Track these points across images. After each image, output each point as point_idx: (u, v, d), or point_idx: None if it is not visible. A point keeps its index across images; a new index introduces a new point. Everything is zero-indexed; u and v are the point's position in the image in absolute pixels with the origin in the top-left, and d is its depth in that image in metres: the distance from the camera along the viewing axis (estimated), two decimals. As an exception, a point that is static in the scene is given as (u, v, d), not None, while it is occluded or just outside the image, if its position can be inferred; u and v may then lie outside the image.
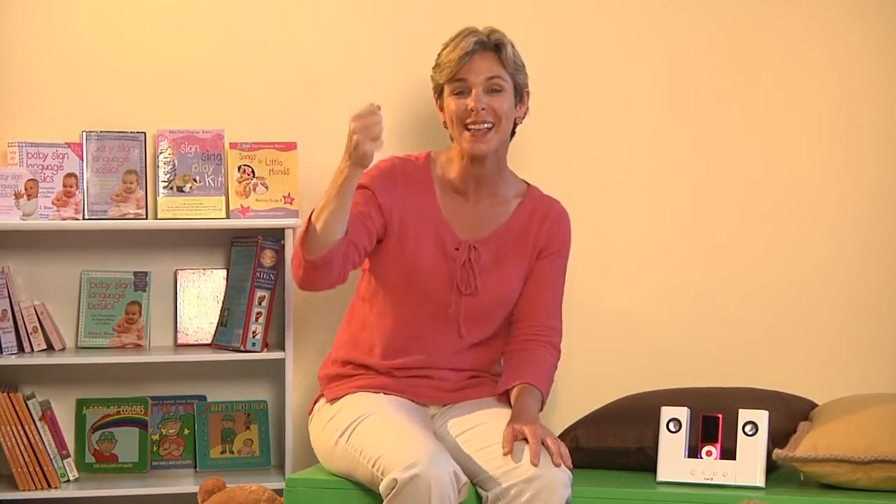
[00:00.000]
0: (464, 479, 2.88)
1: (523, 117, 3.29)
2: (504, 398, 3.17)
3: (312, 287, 3.10)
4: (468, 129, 3.17)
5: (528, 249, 3.26)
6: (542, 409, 3.14)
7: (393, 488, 2.82)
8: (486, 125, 3.17)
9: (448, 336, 3.20)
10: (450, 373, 3.22)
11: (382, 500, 2.88)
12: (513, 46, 3.22)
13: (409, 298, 3.19)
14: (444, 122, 3.26)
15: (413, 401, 3.19)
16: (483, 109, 3.16)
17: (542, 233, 3.27)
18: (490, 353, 3.26)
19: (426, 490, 2.79)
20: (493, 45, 3.19)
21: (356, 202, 3.08)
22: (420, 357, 3.20)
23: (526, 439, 2.93)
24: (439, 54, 3.24)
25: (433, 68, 3.25)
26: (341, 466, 3.08)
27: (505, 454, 2.93)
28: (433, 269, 3.18)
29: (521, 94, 3.24)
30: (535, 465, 2.88)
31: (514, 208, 3.28)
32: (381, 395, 3.15)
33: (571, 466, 2.94)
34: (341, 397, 3.18)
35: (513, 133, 3.29)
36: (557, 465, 2.89)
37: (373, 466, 2.91)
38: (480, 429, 3.06)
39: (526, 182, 3.35)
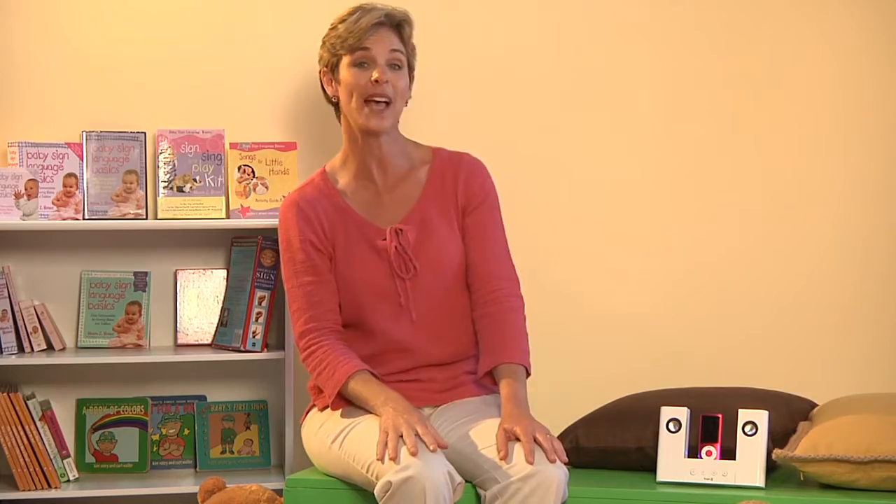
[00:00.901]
0: (458, 478, 2.87)
1: (408, 102, 3.24)
2: (488, 379, 3.16)
3: None
4: (367, 104, 3.12)
5: (451, 209, 3.21)
6: (528, 375, 3.12)
7: (387, 491, 2.81)
8: (384, 100, 3.13)
9: (407, 328, 3.16)
10: (437, 371, 3.20)
11: (377, 502, 2.88)
12: (411, 28, 3.20)
13: (363, 308, 3.16)
14: (332, 97, 3.21)
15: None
16: (386, 83, 3.13)
17: (459, 189, 3.22)
18: (462, 335, 3.21)
19: (421, 491, 2.78)
20: (397, 21, 3.17)
21: (302, 269, 3.13)
22: (401, 360, 3.17)
23: (519, 438, 2.92)
24: (335, 27, 3.17)
25: (326, 40, 3.18)
26: (337, 472, 3.07)
27: (501, 459, 2.91)
28: (371, 269, 3.15)
29: (412, 76, 3.22)
30: (530, 462, 2.87)
31: (426, 176, 3.24)
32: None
33: (566, 460, 2.93)
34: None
35: None
36: (552, 462, 2.89)
37: (366, 471, 2.90)
38: (476, 429, 3.04)
39: (431, 147, 3.29)
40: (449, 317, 3.20)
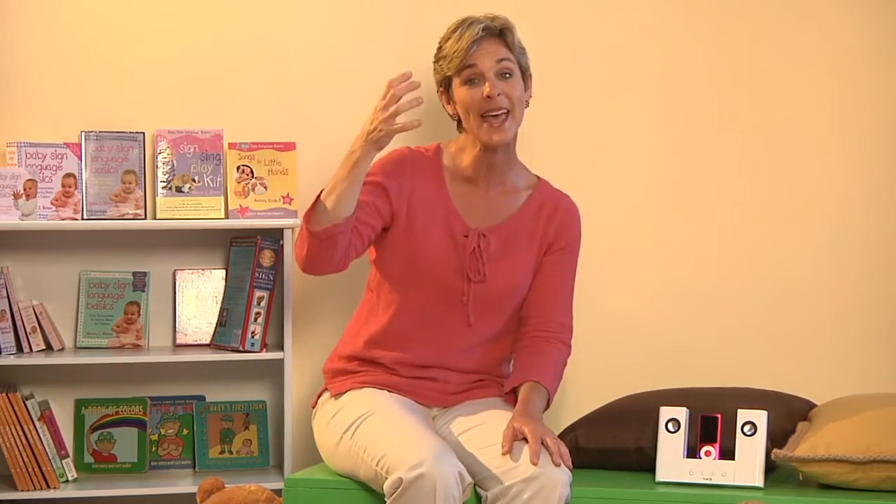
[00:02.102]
0: (468, 478, 2.88)
1: (528, 102, 3.27)
2: (511, 397, 3.17)
3: (315, 266, 3.09)
4: (485, 119, 3.16)
5: (537, 242, 3.25)
6: (548, 407, 3.14)
7: (398, 487, 2.81)
8: (502, 112, 3.15)
9: (457, 325, 3.19)
10: (455, 374, 3.21)
11: (383, 500, 2.88)
12: (516, 31, 3.22)
13: (418, 286, 3.18)
14: (452, 114, 3.26)
15: (415, 401, 3.18)
16: (499, 95, 3.14)
17: (551, 227, 3.26)
18: (499, 351, 3.25)
19: (431, 490, 2.79)
20: (498, 30, 3.18)
21: (362, 191, 3.09)
22: (429, 349, 3.18)
23: (526, 439, 2.93)
24: (441, 47, 3.22)
25: (436, 62, 3.24)
26: (345, 464, 3.07)
27: (504, 453, 2.92)
28: (442, 255, 3.18)
29: (525, 78, 3.24)
30: (535, 464, 2.87)
31: (524, 200, 3.27)
32: (385, 391, 3.14)
33: (571, 466, 2.94)
34: (345, 392, 3.17)
35: None
36: (557, 465, 2.89)
37: (377, 465, 2.91)
38: (481, 428, 3.05)
39: (536, 175, 3.34)
40: (498, 333, 3.23)
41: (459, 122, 3.26)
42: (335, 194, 3.01)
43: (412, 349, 3.18)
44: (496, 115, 3.15)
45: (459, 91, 3.18)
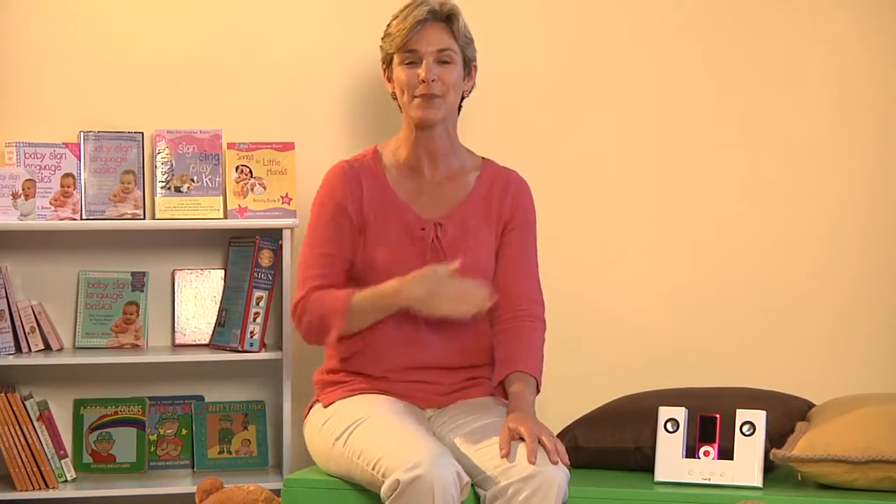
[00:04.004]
0: (465, 478, 2.86)
1: (470, 91, 3.27)
2: (500, 389, 3.17)
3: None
4: (417, 98, 3.16)
5: (493, 221, 3.24)
6: (538, 392, 3.14)
7: (395, 490, 2.81)
8: (435, 96, 3.15)
9: (431, 322, 3.15)
10: (444, 374, 3.20)
11: (382, 501, 2.87)
12: (463, 19, 3.21)
13: None
14: (392, 92, 3.25)
15: (410, 403, 3.18)
16: (433, 80, 3.15)
17: (505, 204, 3.25)
18: (481, 341, 3.23)
19: (429, 491, 2.78)
20: (444, 15, 3.18)
21: (329, 237, 3.14)
22: (412, 353, 3.17)
23: (522, 438, 2.93)
24: (389, 24, 3.22)
25: (382, 38, 3.23)
26: (339, 470, 3.07)
27: (503, 457, 2.92)
28: (402, 253, 3.16)
29: (469, 67, 3.23)
30: (532, 462, 2.87)
31: (473, 182, 3.26)
32: (377, 396, 3.14)
33: (569, 463, 2.94)
34: (336, 401, 3.17)
35: (459, 108, 3.27)
36: (554, 463, 2.89)
37: (373, 469, 2.90)
38: (477, 428, 3.05)
39: (482, 157, 3.32)
40: (472, 323, 3.20)
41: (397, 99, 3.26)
42: (369, 318, 3.10)
43: (396, 356, 3.17)
44: (429, 97, 3.15)
45: (398, 70, 3.19)
